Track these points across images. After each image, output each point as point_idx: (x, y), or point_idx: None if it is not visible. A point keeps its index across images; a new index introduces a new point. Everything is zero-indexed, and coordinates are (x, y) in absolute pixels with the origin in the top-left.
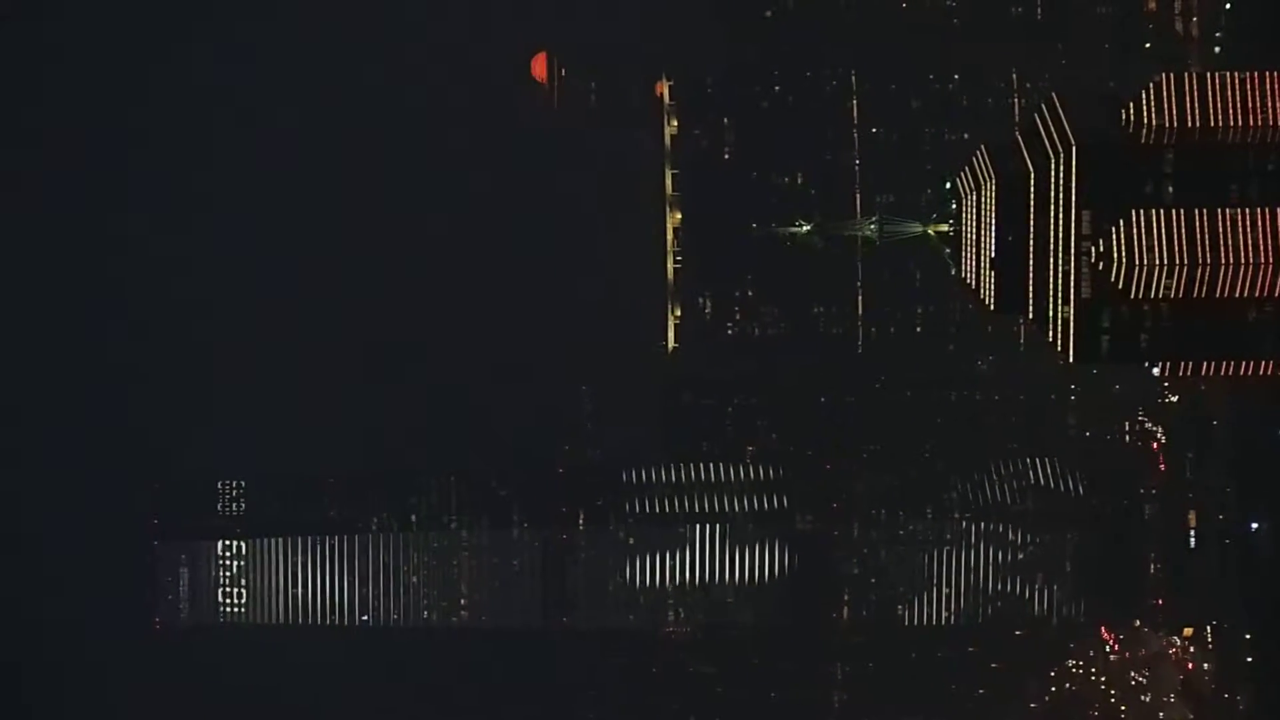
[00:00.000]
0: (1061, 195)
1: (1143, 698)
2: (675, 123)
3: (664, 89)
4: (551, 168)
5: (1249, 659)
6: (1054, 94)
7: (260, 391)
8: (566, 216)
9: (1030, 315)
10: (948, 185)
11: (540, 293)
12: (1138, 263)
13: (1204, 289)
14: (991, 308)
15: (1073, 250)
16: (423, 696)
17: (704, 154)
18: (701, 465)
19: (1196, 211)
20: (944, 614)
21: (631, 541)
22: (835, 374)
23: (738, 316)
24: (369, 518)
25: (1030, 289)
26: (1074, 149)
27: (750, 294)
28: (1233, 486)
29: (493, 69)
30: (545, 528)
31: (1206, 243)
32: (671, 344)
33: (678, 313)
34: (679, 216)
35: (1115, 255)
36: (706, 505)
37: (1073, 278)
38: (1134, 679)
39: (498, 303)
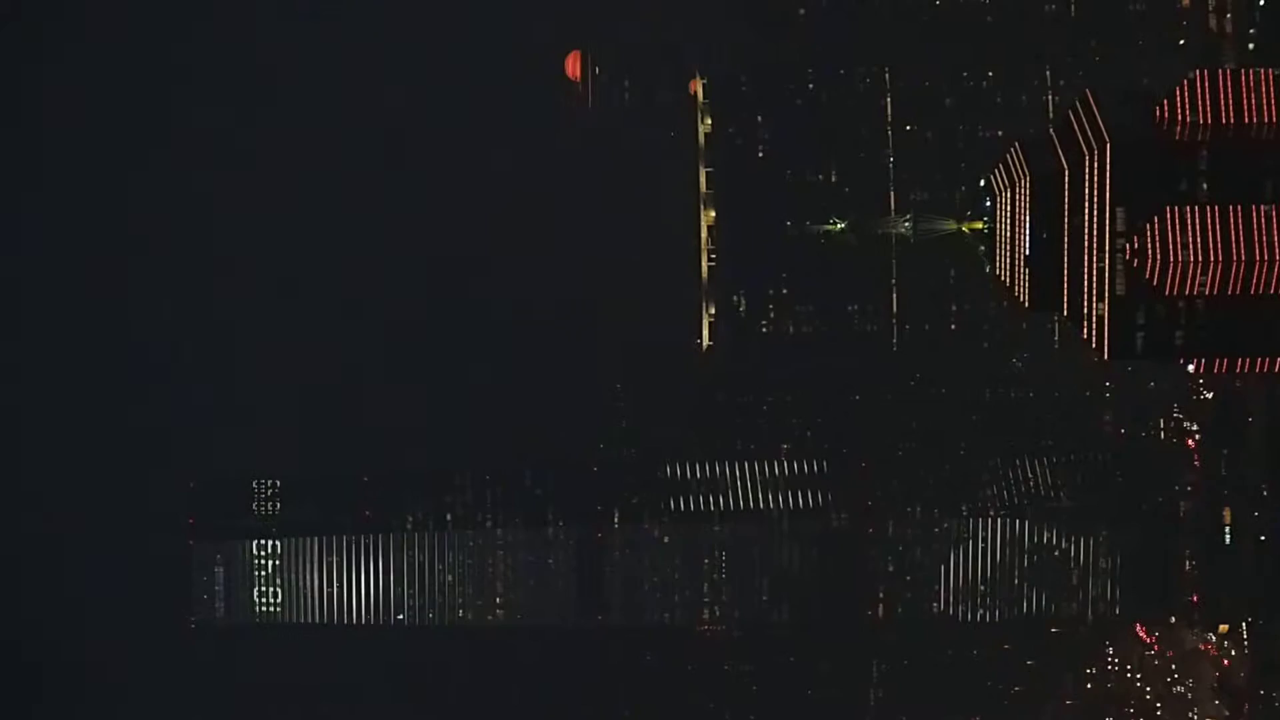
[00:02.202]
0: (1096, 192)
1: (1179, 695)
2: (709, 121)
3: (698, 87)
4: (585, 166)
5: None
6: (1088, 91)
7: (295, 391)
8: (600, 215)
9: (1065, 312)
10: (982, 183)
11: (574, 291)
12: (1172, 260)
13: (1239, 286)
14: (1026, 305)
15: (1107, 247)
16: (458, 695)
17: (738, 152)
18: (736, 463)
19: (1231, 208)
20: (979, 611)
21: (667, 540)
22: (870, 372)
23: (772, 315)
24: (404, 517)
25: (1065, 286)
26: (1108, 146)
27: (785, 292)
28: (1268, 483)
29: (526, 67)
30: (580, 526)
31: (1241, 239)
32: (706, 342)
33: (712, 311)
34: (713, 215)
35: (1150, 252)
36: (741, 503)
37: (1107, 275)
38: (1170, 676)
39: (532, 301)
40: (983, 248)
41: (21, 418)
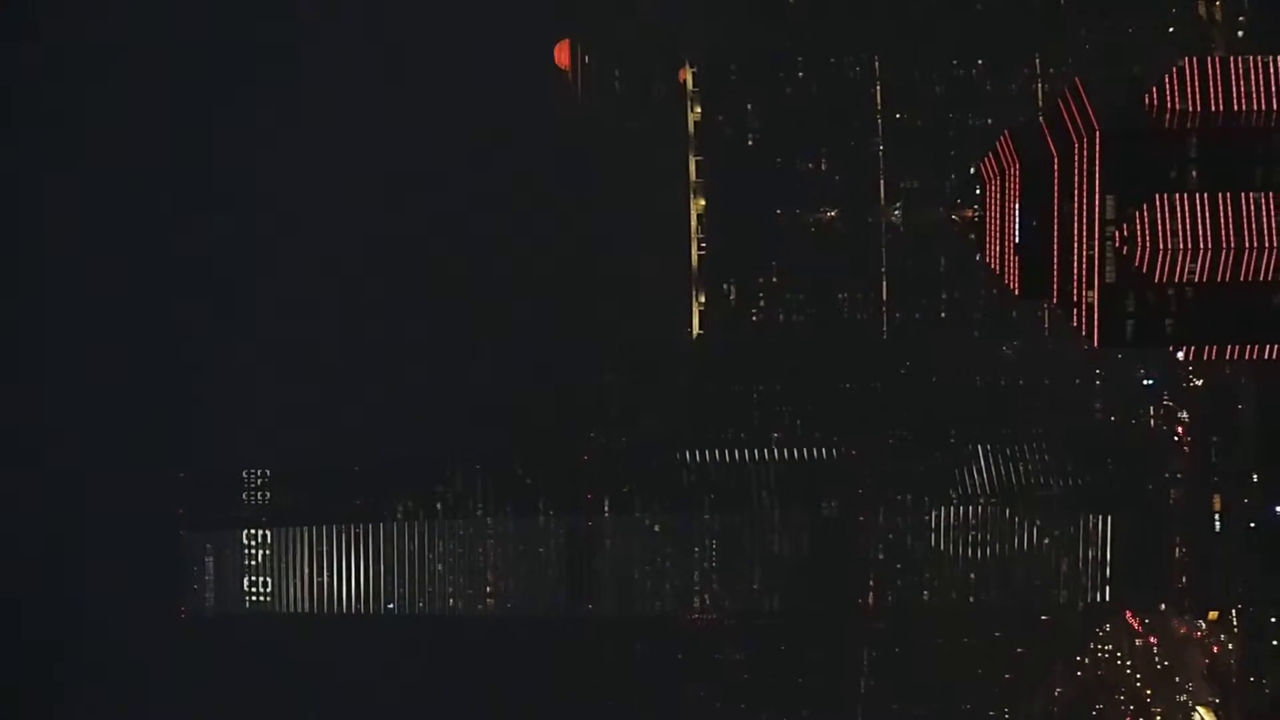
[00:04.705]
0: (1085, 180)
1: (1169, 682)
2: (699, 109)
3: (687, 75)
4: (575, 155)
5: (1275, 642)
6: (1077, 79)
7: (285, 381)
8: (590, 204)
9: (1055, 300)
10: (972, 171)
11: (564, 280)
12: (1162, 247)
13: (1228, 273)
14: (1016, 292)
15: (1097, 235)
16: (448, 684)
17: (728, 140)
18: (726, 452)
19: (1220, 196)
20: (970, 599)
21: (657, 528)
22: (860, 360)
23: (762, 303)
24: (394, 506)
25: (1055, 274)
26: (1098, 134)
27: (775, 280)
28: (1257, 470)
29: (516, 57)
30: (571, 515)
31: (1230, 227)
32: (696, 330)
33: (702, 299)
34: (703, 203)
35: (1139, 240)
36: (732, 492)
37: (1097, 262)
38: (1160, 663)
39: (522, 291)
40: (972, 235)
41: (17, 411)
